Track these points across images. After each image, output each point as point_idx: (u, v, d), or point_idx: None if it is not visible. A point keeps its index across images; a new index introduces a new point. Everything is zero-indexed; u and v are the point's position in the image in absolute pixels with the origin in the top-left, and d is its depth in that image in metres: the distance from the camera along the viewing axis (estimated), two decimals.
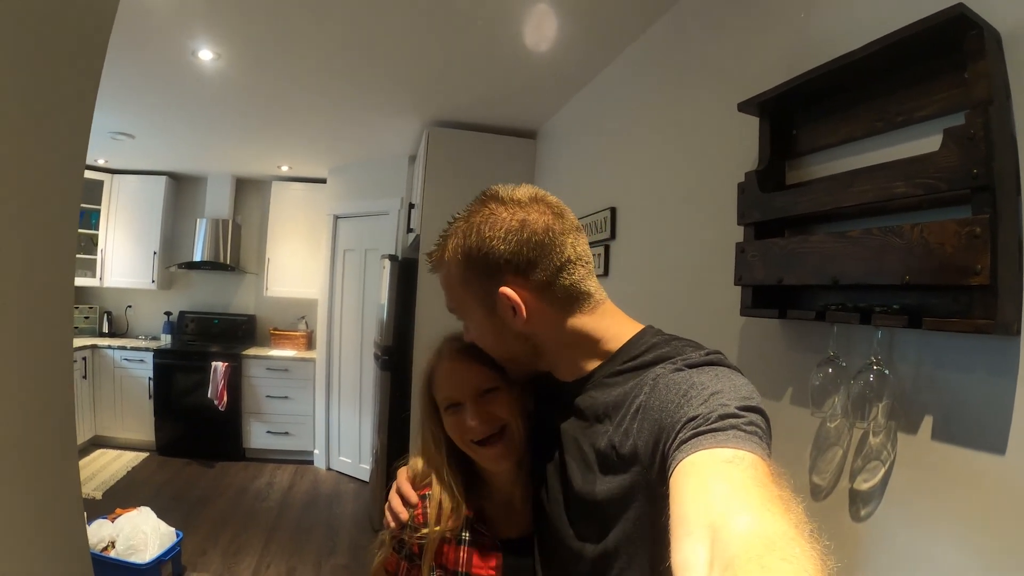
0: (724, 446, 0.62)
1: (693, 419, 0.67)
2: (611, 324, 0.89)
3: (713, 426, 0.65)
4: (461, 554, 0.97)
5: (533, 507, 1.00)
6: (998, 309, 0.94)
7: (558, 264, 0.85)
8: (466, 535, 0.98)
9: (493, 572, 0.97)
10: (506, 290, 0.84)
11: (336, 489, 4.92)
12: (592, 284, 0.89)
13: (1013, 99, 1.00)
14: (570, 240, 0.87)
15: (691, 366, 0.77)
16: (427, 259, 0.98)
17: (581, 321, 0.87)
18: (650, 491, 0.73)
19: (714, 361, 0.78)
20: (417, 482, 1.04)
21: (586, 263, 0.89)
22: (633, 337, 0.88)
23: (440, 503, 0.97)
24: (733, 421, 0.65)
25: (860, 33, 1.24)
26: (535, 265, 0.84)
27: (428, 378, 1.02)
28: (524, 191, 0.89)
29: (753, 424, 0.66)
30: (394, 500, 1.04)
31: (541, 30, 2.38)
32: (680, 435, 0.67)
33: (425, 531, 0.97)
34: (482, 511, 1.00)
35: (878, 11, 1.26)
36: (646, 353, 0.84)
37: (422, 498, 1.00)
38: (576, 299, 0.87)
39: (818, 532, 0.51)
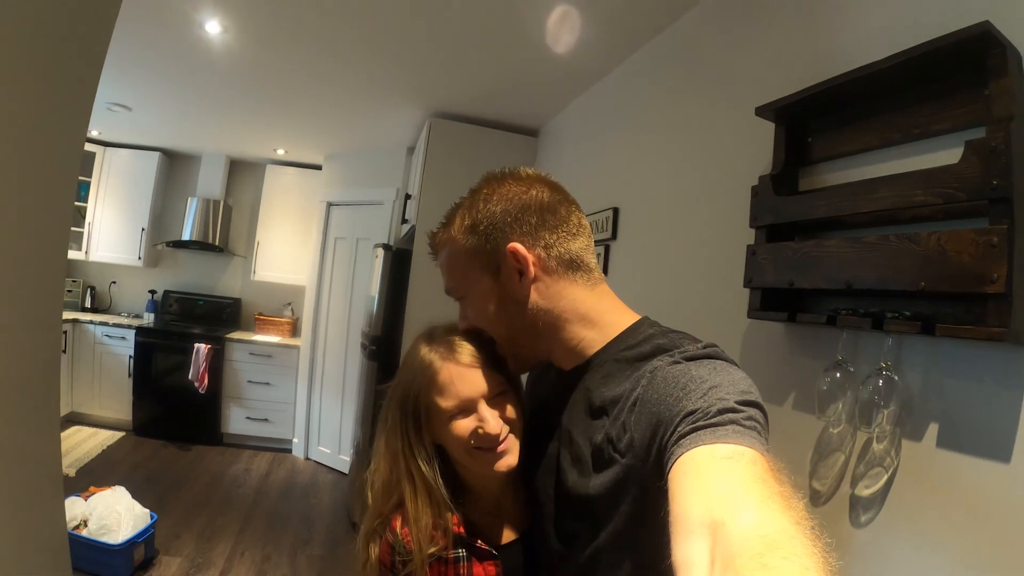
0: (723, 441, 0.62)
1: (692, 413, 0.66)
2: (609, 308, 0.90)
3: (712, 421, 0.64)
4: (461, 570, 0.94)
5: (528, 502, 0.98)
6: (1012, 318, 0.96)
7: (563, 228, 0.88)
8: (462, 552, 0.94)
9: None
10: (515, 245, 0.85)
11: (314, 479, 4.87)
12: (592, 259, 0.91)
13: None
14: (574, 210, 0.90)
15: (689, 359, 0.76)
16: (429, 239, 0.98)
17: (582, 295, 0.88)
18: (644, 485, 0.72)
19: (712, 354, 0.77)
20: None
21: (588, 235, 0.91)
22: (631, 326, 0.88)
23: (420, 522, 0.91)
24: (732, 416, 0.65)
25: (874, 46, 1.26)
26: (541, 226, 0.86)
27: (425, 383, 0.93)
28: (526, 170, 0.93)
29: (752, 419, 0.66)
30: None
31: (554, 27, 2.37)
32: (679, 429, 0.66)
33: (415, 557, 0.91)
34: (472, 523, 0.95)
35: (894, 26, 1.28)
36: (643, 344, 0.83)
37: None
38: (578, 267, 0.88)
39: (819, 529, 0.51)
